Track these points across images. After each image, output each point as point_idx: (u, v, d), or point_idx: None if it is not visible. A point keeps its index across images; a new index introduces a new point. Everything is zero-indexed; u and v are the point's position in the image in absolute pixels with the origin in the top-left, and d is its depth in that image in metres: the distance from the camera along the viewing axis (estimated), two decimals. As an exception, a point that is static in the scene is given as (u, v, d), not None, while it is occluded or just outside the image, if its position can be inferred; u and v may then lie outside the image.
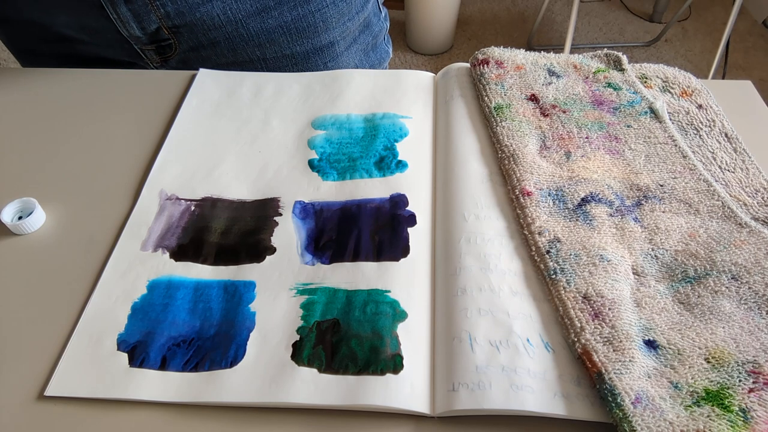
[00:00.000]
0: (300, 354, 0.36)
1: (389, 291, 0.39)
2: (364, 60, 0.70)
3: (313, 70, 0.63)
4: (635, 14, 2.26)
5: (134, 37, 0.57)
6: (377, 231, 0.42)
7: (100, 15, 0.55)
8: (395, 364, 0.35)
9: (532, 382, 0.33)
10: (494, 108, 0.49)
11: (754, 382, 0.32)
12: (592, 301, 0.36)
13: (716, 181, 0.44)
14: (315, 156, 0.48)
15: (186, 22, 0.56)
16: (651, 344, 0.34)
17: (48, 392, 0.35)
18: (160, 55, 0.59)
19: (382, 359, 0.35)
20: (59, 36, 0.59)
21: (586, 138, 0.47)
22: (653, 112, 0.49)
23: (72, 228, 0.44)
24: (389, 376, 0.34)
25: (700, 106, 0.49)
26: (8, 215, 0.43)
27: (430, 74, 0.56)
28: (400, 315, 0.37)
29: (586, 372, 0.34)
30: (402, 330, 0.37)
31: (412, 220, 0.43)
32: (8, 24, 0.60)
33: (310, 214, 0.44)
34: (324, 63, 0.64)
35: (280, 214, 0.44)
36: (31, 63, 0.63)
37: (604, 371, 0.32)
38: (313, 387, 0.34)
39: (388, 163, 0.47)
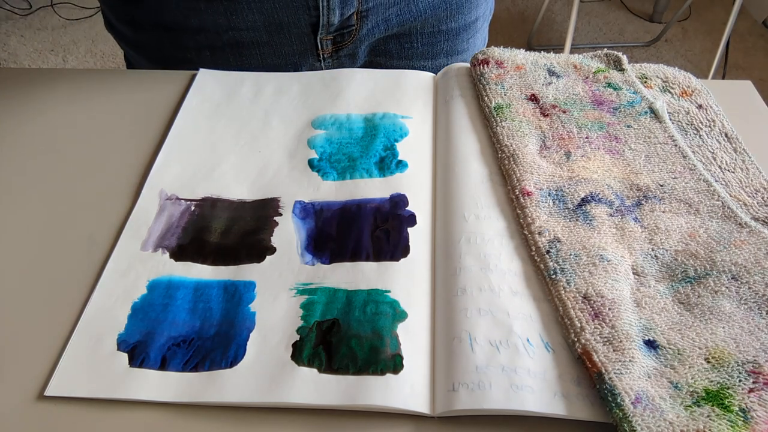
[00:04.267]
0: (300, 354, 0.36)
1: (389, 291, 0.39)
2: (484, 40, 0.74)
3: (458, 47, 0.67)
4: (635, 14, 2.26)
5: (327, 26, 0.59)
6: (377, 231, 0.42)
7: (305, 6, 0.57)
8: (395, 364, 0.35)
9: (532, 382, 0.33)
10: (494, 108, 0.49)
11: (754, 382, 0.32)
12: (592, 301, 0.36)
13: (716, 181, 0.44)
14: (315, 156, 0.48)
15: (377, 4, 0.59)
16: (651, 344, 0.34)
17: (48, 392, 0.35)
18: (335, 44, 0.61)
19: (382, 359, 0.35)
20: (230, 42, 0.59)
21: (586, 138, 0.47)
22: (653, 112, 0.49)
23: (72, 228, 0.44)
24: (389, 376, 0.34)
25: (700, 106, 0.49)
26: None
27: (430, 74, 0.56)
28: (400, 315, 0.37)
29: (586, 372, 0.34)
30: (402, 330, 0.37)
31: (412, 220, 0.43)
32: (158, 31, 0.60)
33: (310, 214, 0.44)
34: (467, 39, 0.68)
35: (280, 214, 0.44)
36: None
37: (604, 371, 0.32)
38: (313, 387, 0.34)
39: (388, 163, 0.47)
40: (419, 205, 0.44)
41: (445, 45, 0.66)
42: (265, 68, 0.59)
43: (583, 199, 0.42)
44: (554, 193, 0.43)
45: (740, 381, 0.32)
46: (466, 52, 0.69)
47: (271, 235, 0.43)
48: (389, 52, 0.65)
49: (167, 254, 0.42)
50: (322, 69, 0.62)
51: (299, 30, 0.59)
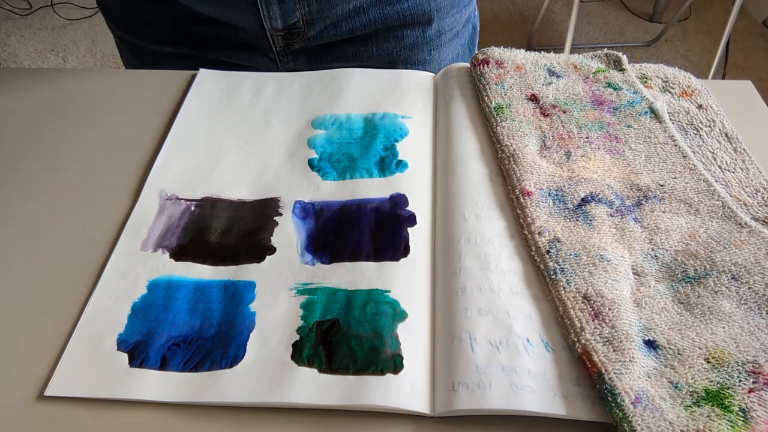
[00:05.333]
0: (300, 354, 0.36)
1: (389, 291, 0.39)
2: (462, 56, 0.73)
3: (417, 59, 0.67)
4: (635, 14, 2.25)
5: (272, 28, 0.61)
6: (377, 231, 0.42)
7: (250, 12, 0.59)
8: (395, 364, 0.35)
9: (532, 382, 0.33)
10: (494, 108, 0.49)
11: (754, 382, 0.32)
12: (592, 301, 0.36)
13: (716, 181, 0.44)
14: (315, 155, 0.48)
15: (323, 16, 0.61)
16: (651, 344, 0.34)
17: (48, 392, 0.35)
18: (286, 40, 0.63)
19: (382, 359, 0.35)
20: (194, 17, 0.61)
21: (586, 138, 0.47)
22: (653, 112, 0.49)
23: (72, 228, 0.44)
24: (389, 376, 0.34)
25: (700, 106, 0.49)
26: None
27: (430, 74, 0.56)
28: (400, 315, 0.37)
29: (586, 372, 0.34)
30: (402, 330, 0.37)
31: (412, 220, 0.43)
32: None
33: (310, 214, 0.44)
34: (429, 51, 0.68)
35: (280, 214, 0.44)
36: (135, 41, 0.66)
37: (604, 371, 0.32)
38: (313, 387, 0.34)
39: (388, 163, 0.47)
40: (419, 205, 0.44)
41: (402, 53, 0.66)
42: (222, 46, 0.63)
43: (583, 199, 0.42)
44: (554, 193, 0.43)
45: (740, 381, 0.32)
46: (429, 63, 0.68)
47: (271, 235, 0.43)
48: (346, 56, 0.65)
49: (167, 254, 0.42)
50: (276, 61, 0.64)
51: (252, 26, 0.61)
